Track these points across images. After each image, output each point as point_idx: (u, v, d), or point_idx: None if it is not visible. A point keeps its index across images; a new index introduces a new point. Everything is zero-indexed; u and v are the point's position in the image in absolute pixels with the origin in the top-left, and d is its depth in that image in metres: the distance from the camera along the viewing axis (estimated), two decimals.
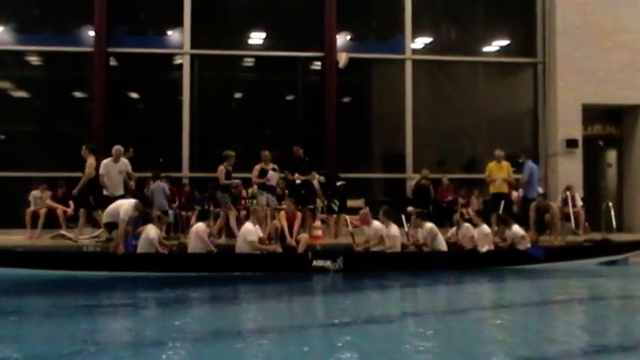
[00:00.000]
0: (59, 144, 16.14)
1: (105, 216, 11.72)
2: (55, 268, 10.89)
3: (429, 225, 12.64)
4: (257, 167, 13.83)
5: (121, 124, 16.18)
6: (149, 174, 14.49)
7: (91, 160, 13.19)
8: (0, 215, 14.90)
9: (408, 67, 17.07)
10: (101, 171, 12.90)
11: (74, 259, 11.32)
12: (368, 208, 13.21)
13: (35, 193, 14.46)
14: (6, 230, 14.50)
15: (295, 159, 14.32)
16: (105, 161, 12.97)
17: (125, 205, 11.43)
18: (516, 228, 12.85)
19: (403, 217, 13.45)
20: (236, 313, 8.53)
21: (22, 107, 16.70)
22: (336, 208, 14.50)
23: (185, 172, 16.26)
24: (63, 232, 13.94)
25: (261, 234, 11.93)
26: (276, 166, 13.94)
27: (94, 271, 10.96)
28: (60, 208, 14.28)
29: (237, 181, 13.87)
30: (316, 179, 14.23)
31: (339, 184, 14.65)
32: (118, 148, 13.05)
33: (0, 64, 16.57)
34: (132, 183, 13.20)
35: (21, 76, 16.77)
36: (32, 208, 14.26)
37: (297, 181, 13.98)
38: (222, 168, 13.57)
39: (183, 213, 14.73)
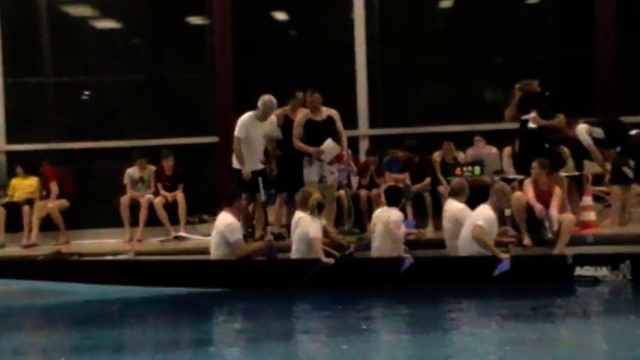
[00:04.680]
0: (168, 97, 16.29)
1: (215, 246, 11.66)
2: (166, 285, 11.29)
3: None
4: (300, 119, 13.01)
5: (257, 63, 16.00)
6: None
7: None
8: (89, 208, 15.17)
9: None
10: (238, 133, 12.55)
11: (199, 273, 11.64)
12: None
13: (131, 172, 14.44)
14: (98, 231, 14.86)
15: (529, 95, 13.31)
16: (246, 118, 12.63)
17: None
18: None
19: None
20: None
21: (112, 45, 16.66)
22: (630, 174, 13.33)
23: (362, 128, 15.99)
24: (181, 232, 14.06)
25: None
26: (334, 114, 13.00)
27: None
28: (167, 196, 14.34)
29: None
30: (584, 129, 13.31)
31: (633, 132, 13.50)
32: (270, 99, 12.54)
33: None
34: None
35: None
36: (129, 194, 14.30)
37: (532, 125, 12.95)
38: None
39: (364, 193, 14.25)
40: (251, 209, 12.95)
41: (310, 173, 12.72)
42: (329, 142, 12.58)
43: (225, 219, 11.34)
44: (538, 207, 11.75)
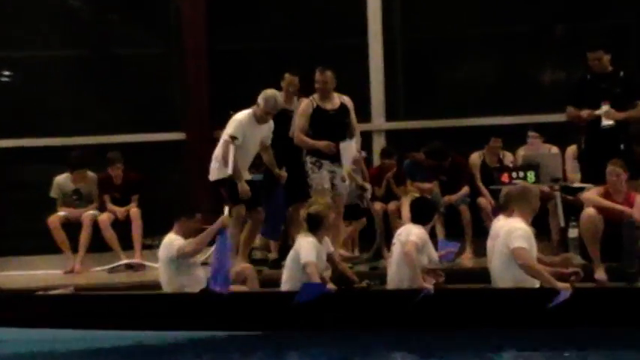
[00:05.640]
0: (120, 80, 16.20)
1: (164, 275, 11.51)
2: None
3: None
4: (305, 106, 13.00)
5: (238, 34, 16.06)
6: None
7: None
8: (12, 229, 15.39)
9: None
10: (235, 132, 12.44)
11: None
12: None
13: (62, 182, 14.30)
14: (24, 258, 14.76)
15: (593, 76, 12.95)
16: (243, 118, 12.53)
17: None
18: None
19: None
20: None
21: (45, 11, 16.49)
22: None
23: (378, 120, 15.92)
24: (135, 258, 14.04)
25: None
26: (348, 102, 13.09)
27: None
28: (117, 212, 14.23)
29: None
30: None
31: None
32: (274, 95, 12.54)
33: None
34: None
35: None
36: (62, 212, 14.10)
37: (607, 123, 12.55)
38: None
39: (379, 206, 13.99)
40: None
41: (322, 179, 12.74)
42: (347, 143, 12.68)
43: (164, 242, 11.19)
44: (627, 210, 11.44)
